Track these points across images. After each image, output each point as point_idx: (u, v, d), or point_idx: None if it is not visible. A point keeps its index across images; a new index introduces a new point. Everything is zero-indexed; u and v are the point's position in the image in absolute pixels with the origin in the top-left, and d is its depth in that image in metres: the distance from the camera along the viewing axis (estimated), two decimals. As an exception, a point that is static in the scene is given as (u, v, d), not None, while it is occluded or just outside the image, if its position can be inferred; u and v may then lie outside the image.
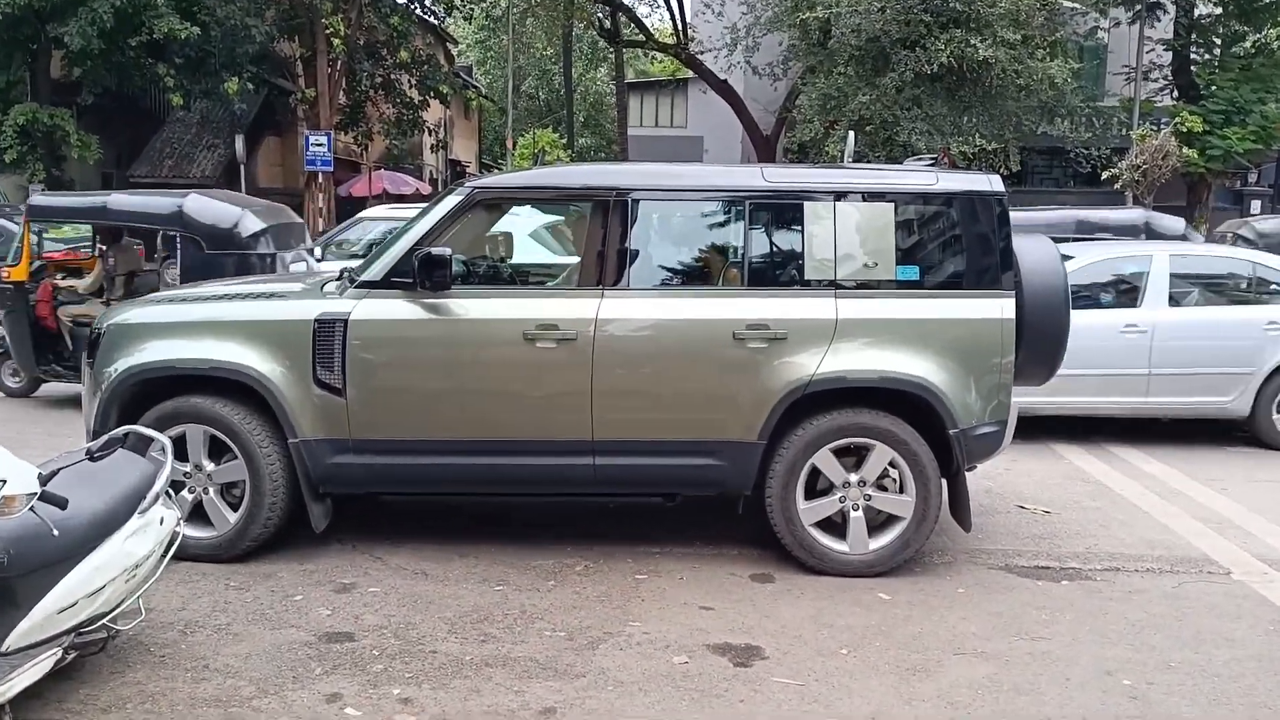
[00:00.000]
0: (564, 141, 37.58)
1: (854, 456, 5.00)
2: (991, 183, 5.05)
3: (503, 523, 5.69)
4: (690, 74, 30.49)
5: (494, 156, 46.73)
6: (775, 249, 5.05)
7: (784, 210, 5.04)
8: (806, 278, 4.93)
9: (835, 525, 5.06)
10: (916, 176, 5.11)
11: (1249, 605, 4.83)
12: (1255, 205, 22.12)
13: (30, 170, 20.89)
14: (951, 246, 5.06)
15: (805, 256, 4.94)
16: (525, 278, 5.60)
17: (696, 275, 5.09)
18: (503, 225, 5.81)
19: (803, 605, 4.69)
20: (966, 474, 5.46)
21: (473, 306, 4.88)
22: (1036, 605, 4.77)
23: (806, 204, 4.95)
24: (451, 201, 4.96)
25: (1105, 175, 13.66)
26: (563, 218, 6.93)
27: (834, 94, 18.94)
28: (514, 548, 5.29)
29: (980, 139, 18.36)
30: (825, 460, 4.95)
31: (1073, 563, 5.35)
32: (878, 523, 5.08)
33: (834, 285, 4.92)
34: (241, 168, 21.63)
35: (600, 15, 26.89)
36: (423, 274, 4.71)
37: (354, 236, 12.07)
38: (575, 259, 5.22)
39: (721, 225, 5.10)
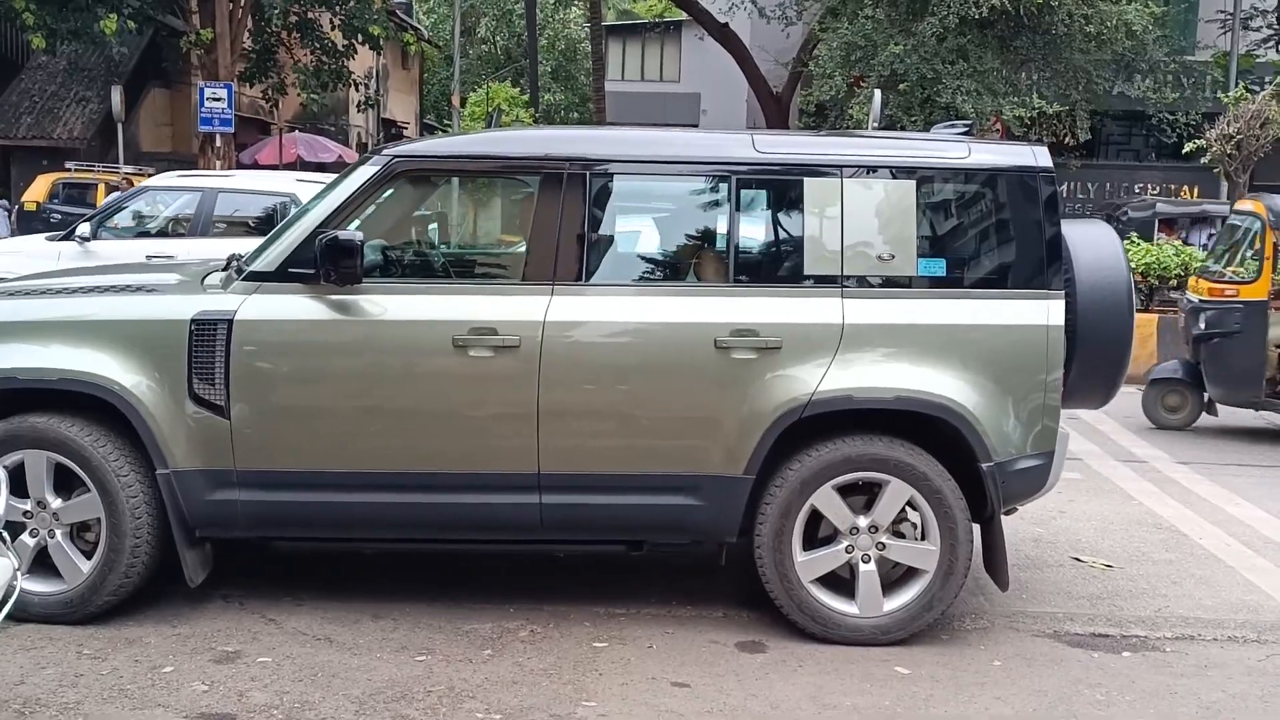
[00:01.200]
0: (526, 98, 37.74)
1: (864, 496, 5.03)
2: (1036, 156, 5.10)
3: (431, 576, 5.69)
4: (684, 15, 30.65)
5: (439, 116, 46.90)
6: (768, 236, 5.09)
7: (780, 188, 5.08)
8: (807, 273, 4.97)
9: (842, 582, 5.09)
10: (944, 148, 5.16)
11: (1351, 683, 4.87)
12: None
13: None
14: (986, 235, 5.11)
15: (805, 246, 4.97)
16: (463, 269, 5.60)
17: (670, 268, 5.13)
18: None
19: (799, 681, 4.71)
20: (1006, 518, 5.53)
21: (390, 305, 4.89)
22: (1090, 683, 4.80)
23: (807, 181, 4.99)
24: (364, 173, 4.98)
25: (1189, 148, 13.73)
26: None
27: (860, 43, 19.06)
28: (444, 608, 5.29)
29: (1040, 100, 18.49)
30: (828, 500, 4.97)
31: (1137, 630, 5.39)
32: (894, 578, 5.11)
33: (840, 282, 4.95)
34: (119, 126, 21.57)
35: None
36: (326, 263, 4.72)
37: (142, 209, 12.02)
38: (520, 247, 5.23)
39: (702, 206, 5.14)
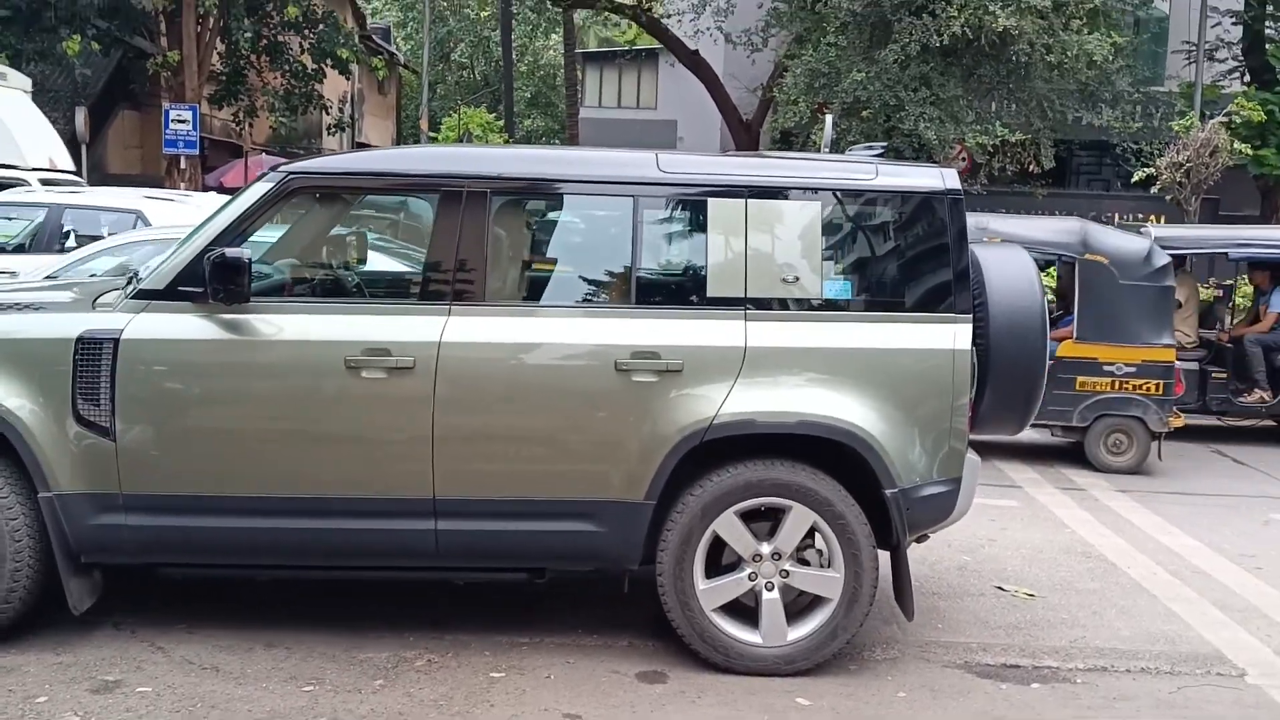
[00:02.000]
0: (502, 123, 37.69)
1: (769, 522, 4.93)
2: (945, 179, 5.04)
3: (333, 603, 5.56)
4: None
5: (416, 139, 46.84)
6: (672, 257, 5.01)
7: (683, 209, 5.01)
8: (710, 294, 4.88)
9: (747, 610, 4.98)
10: (851, 169, 5.10)
11: (1262, 716, 4.78)
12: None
13: None
14: (892, 258, 5.04)
15: (709, 267, 4.88)
16: (359, 288, 5.49)
17: (571, 289, 5.03)
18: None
19: (695, 714, 4.60)
20: (921, 545, 5.45)
21: (282, 324, 4.78)
22: (994, 715, 4.71)
23: (711, 202, 4.91)
24: (259, 190, 4.88)
25: (1139, 175, 13.73)
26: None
27: (824, 70, 19.06)
28: (341, 636, 5.16)
29: (1003, 129, 18.50)
30: (730, 526, 4.87)
31: (1049, 660, 5.29)
32: (801, 606, 5.01)
33: (744, 304, 4.86)
34: (83, 148, 21.40)
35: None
36: (214, 282, 4.61)
37: None
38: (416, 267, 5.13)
39: (605, 226, 5.05)
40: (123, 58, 25.40)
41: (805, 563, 4.97)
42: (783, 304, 4.89)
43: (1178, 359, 9.38)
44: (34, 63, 22.65)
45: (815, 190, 4.98)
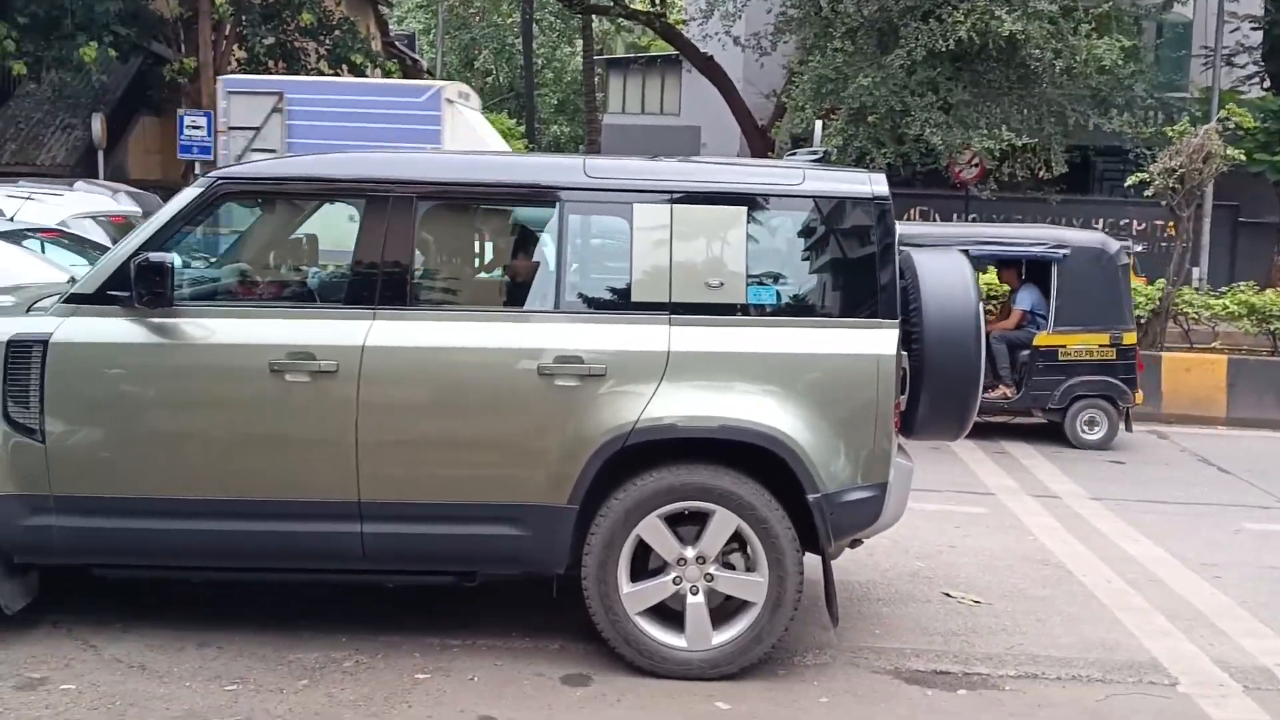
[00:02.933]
0: (524, 129, 37.89)
1: (695, 526, 4.95)
2: (873, 184, 5.05)
3: (269, 603, 5.61)
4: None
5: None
6: (595, 262, 5.05)
7: (608, 213, 5.04)
8: (634, 299, 4.91)
9: (673, 614, 5.00)
10: (777, 174, 5.12)
11: (1182, 724, 4.77)
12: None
13: None
14: (818, 263, 5.06)
15: (633, 272, 4.92)
16: (285, 292, 5.55)
17: (496, 293, 5.08)
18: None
19: (611, 716, 4.63)
20: (855, 549, 5.46)
21: (207, 328, 4.85)
22: (914, 720, 4.71)
23: (636, 206, 4.94)
24: (189, 195, 4.95)
25: (1131, 181, 13.64)
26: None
27: (831, 75, 19.01)
28: (273, 636, 5.21)
29: (1010, 133, 18.39)
30: (654, 531, 4.89)
31: (981, 667, 5.29)
32: (727, 611, 5.02)
33: (668, 309, 4.89)
34: (100, 153, 21.67)
35: (559, -27, 27.16)
36: (139, 285, 4.68)
37: None
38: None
39: (530, 230, 5.10)
40: (141, 64, 25.64)
41: (731, 567, 4.99)
42: (707, 309, 4.91)
43: None
44: (52, 69, 22.97)
45: (740, 195, 5.00)
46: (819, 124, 9.86)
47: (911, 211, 23.37)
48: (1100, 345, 10.26)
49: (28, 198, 12.98)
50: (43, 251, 9.46)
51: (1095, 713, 4.87)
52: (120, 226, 14.04)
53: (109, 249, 11.05)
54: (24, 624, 5.15)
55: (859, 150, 18.90)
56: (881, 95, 18.40)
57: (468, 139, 13.97)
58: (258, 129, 13.67)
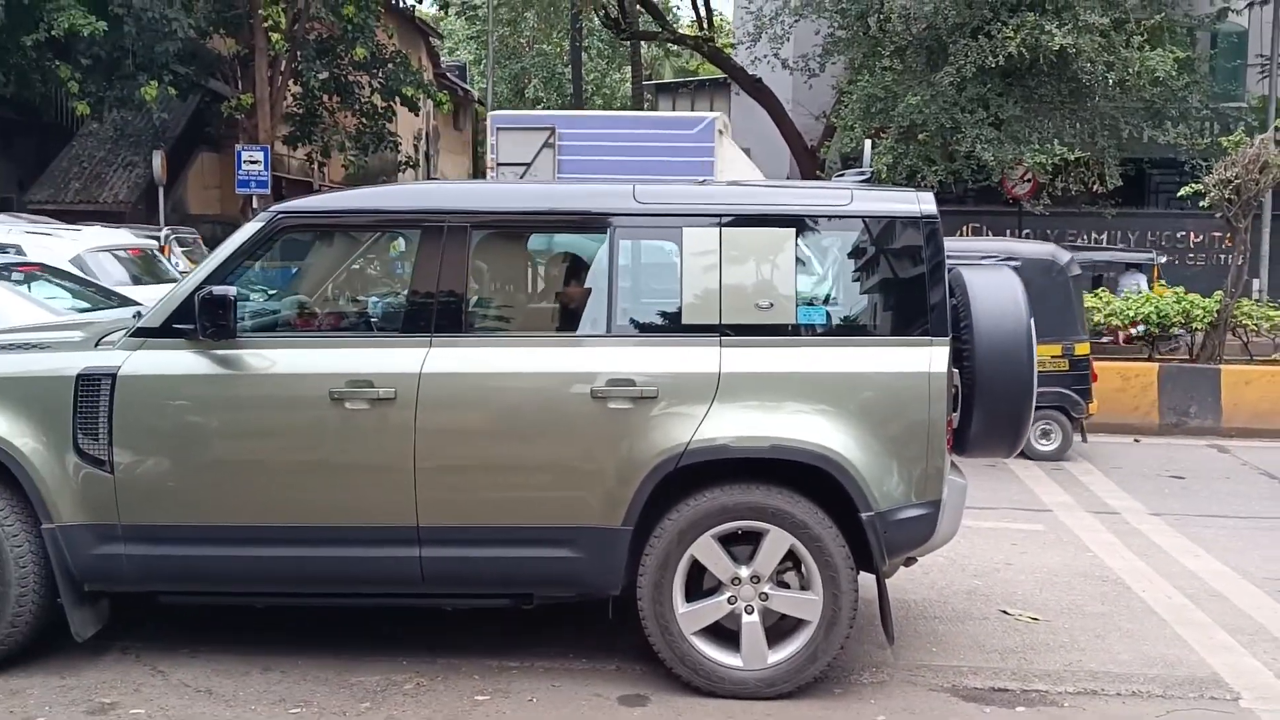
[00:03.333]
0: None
1: (749, 546, 4.98)
2: (920, 202, 5.07)
3: (331, 628, 5.71)
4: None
5: (485, 174, 47.48)
6: (647, 286, 5.11)
7: (659, 238, 5.11)
8: (685, 322, 4.97)
9: (728, 634, 5.04)
10: (826, 196, 5.17)
11: (1246, 739, 4.73)
12: None
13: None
14: (867, 282, 5.09)
15: (684, 295, 4.98)
16: (344, 322, 5.67)
17: (549, 318, 5.16)
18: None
19: (669, 735, 4.67)
20: (909, 567, 5.47)
21: (268, 358, 4.97)
22: (972, 738, 4.71)
23: (686, 231, 5.01)
24: (250, 229, 5.08)
25: (1184, 192, 13.51)
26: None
27: (880, 94, 19.02)
28: (336, 659, 5.31)
29: (1062, 147, 18.29)
30: (708, 551, 4.93)
31: (1039, 684, 5.27)
32: (782, 630, 5.05)
33: (719, 331, 4.94)
34: (160, 190, 22.13)
35: (606, 1, 27.35)
36: (203, 318, 4.81)
37: None
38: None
39: (582, 257, 5.17)
40: (200, 102, 26.19)
41: (785, 585, 5.01)
42: (757, 330, 4.95)
43: None
44: (114, 109, 23.51)
45: (789, 217, 5.05)
46: (868, 143, 9.87)
47: (964, 228, 23.25)
48: (1052, 357, 10.15)
49: (46, 234, 13.39)
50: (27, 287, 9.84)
51: (1155, 728, 4.84)
52: (138, 259, 14.45)
53: (94, 284, 11.46)
54: (94, 650, 5.29)
55: (909, 168, 18.88)
56: (931, 113, 18.37)
57: (732, 171, 13.99)
58: (528, 164, 13.75)
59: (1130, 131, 19.89)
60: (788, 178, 29.81)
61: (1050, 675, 5.37)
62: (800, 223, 5.06)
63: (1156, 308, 12.44)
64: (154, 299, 13.23)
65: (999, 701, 5.08)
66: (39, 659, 5.17)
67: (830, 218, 5.10)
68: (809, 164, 26.35)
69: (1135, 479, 9.82)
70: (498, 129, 14.21)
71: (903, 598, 6.28)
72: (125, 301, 10.54)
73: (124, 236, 15.52)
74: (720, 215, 5.03)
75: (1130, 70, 18.36)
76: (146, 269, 14.69)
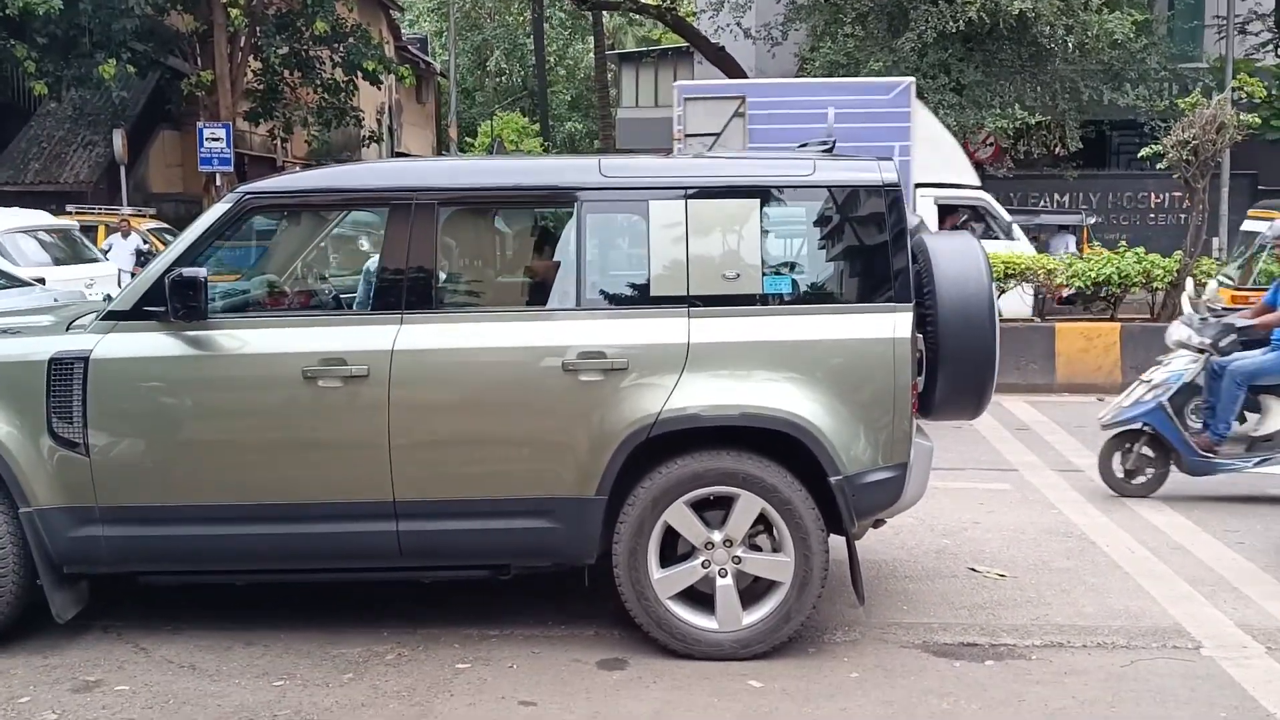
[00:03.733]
0: (538, 127, 38.00)
1: (722, 511, 5.07)
2: (882, 171, 5.15)
3: (312, 602, 5.78)
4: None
5: (463, 148, 47.34)
6: (614, 259, 5.17)
7: (625, 211, 5.17)
8: (653, 293, 5.04)
9: (703, 597, 5.13)
10: (788, 166, 5.23)
11: (1207, 688, 4.86)
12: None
13: None
14: (831, 251, 5.17)
15: (651, 267, 5.04)
16: (316, 301, 5.70)
17: (519, 293, 5.21)
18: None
19: (647, 697, 4.76)
20: (878, 529, 5.57)
21: (240, 338, 5.00)
22: (942, 692, 4.82)
23: (652, 204, 5.07)
24: (219, 210, 5.11)
25: (1144, 153, 13.67)
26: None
27: (842, 61, 19.11)
28: (317, 632, 5.38)
29: (1023, 111, 18.43)
30: (681, 517, 5.02)
31: (1007, 638, 5.40)
32: (756, 593, 5.15)
33: (686, 302, 5.02)
34: (122, 169, 21.96)
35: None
36: (174, 300, 4.84)
37: None
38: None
39: (549, 231, 5.23)
40: (160, 79, 25.95)
41: (757, 549, 5.11)
42: (724, 300, 5.03)
43: None
44: (73, 88, 23.28)
45: (753, 188, 5.12)
46: (831, 111, 9.90)
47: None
48: None
49: None
50: None
51: (1121, 677, 4.97)
52: (59, 240, 14.54)
53: None
54: (76, 629, 5.34)
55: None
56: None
57: (924, 135, 13.81)
58: (717, 135, 13.43)
59: (1090, 94, 20.09)
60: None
61: (1018, 629, 5.50)
62: (764, 193, 5.13)
63: (1118, 268, 12.60)
64: (74, 279, 13.30)
65: (969, 656, 5.20)
66: (22, 639, 5.21)
67: (794, 188, 5.17)
68: (773, 132, 26.38)
69: (1098, 437, 9.94)
70: (685, 99, 13.72)
71: (874, 558, 6.40)
72: (22, 283, 10.60)
73: (43, 218, 15.48)
74: (685, 188, 5.09)
75: (1089, 33, 18.54)
76: (69, 250, 14.68)
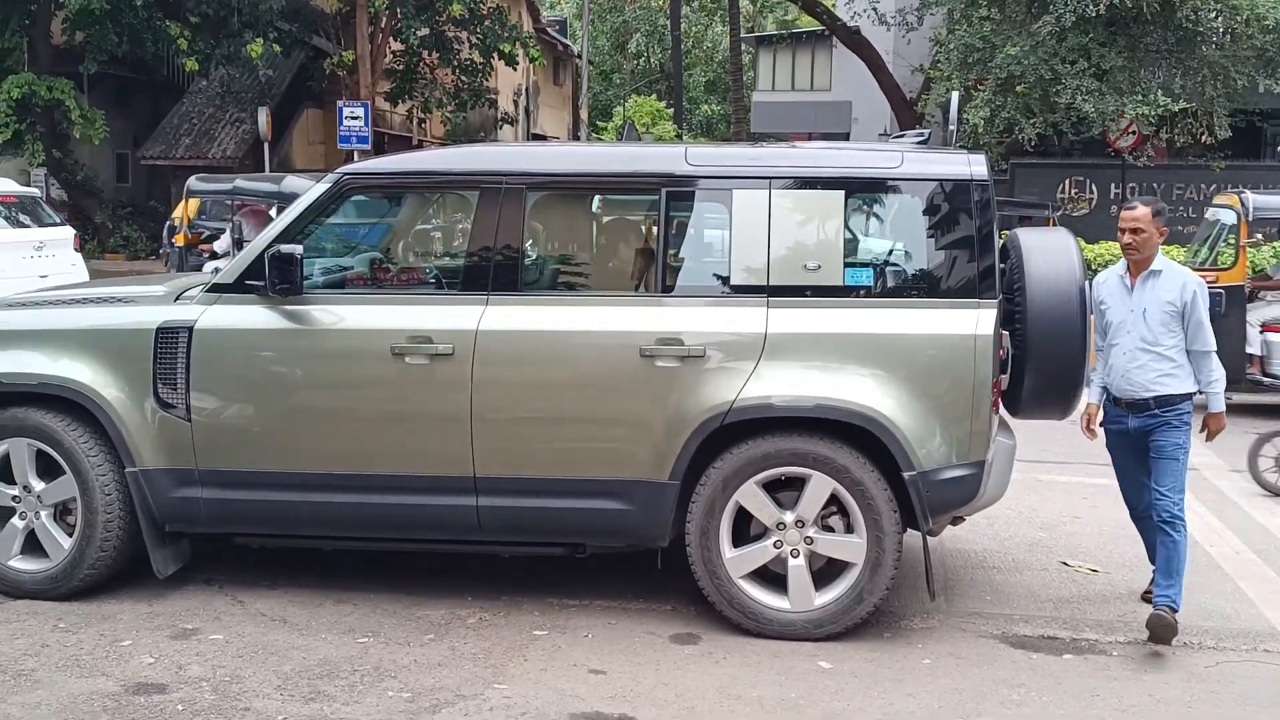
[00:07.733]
0: (672, 110, 38.10)
1: (793, 492, 5.12)
2: (971, 165, 5.12)
3: (404, 565, 5.99)
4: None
5: (596, 130, 47.76)
6: (696, 247, 5.24)
7: (709, 200, 5.23)
8: (733, 282, 5.10)
9: (775, 577, 5.19)
10: (876, 158, 5.24)
11: (1292, 691, 4.76)
12: None
13: (29, 151, 22.41)
14: (915, 245, 5.17)
15: (733, 256, 5.10)
16: (406, 280, 5.89)
17: (600, 278, 5.32)
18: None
19: (715, 673, 4.84)
20: (956, 526, 5.55)
21: (335, 313, 5.22)
22: (1014, 683, 4.80)
23: (736, 193, 5.12)
24: (319, 190, 5.33)
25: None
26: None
27: (977, 45, 18.72)
28: (407, 594, 5.60)
29: (1166, 98, 17.83)
30: (753, 497, 5.08)
31: (1090, 633, 5.34)
32: (829, 573, 5.19)
33: (766, 291, 5.06)
34: (265, 146, 22.71)
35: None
36: (272, 275, 5.08)
37: None
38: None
39: (634, 218, 5.33)
40: (304, 58, 26.76)
41: (830, 530, 5.14)
42: (804, 291, 5.05)
43: None
44: (221, 66, 24.16)
45: (838, 180, 5.13)
46: (955, 95, 9.76)
47: (1065, 181, 22.83)
48: None
49: None
50: None
51: (1203, 678, 4.88)
52: (11, 205, 15.17)
53: None
54: (180, 581, 5.65)
55: (1007, 120, 18.59)
56: (1030, 64, 18.02)
57: None
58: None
59: (1242, 81, 19.30)
60: (887, 130, 29.51)
61: (1102, 625, 5.43)
62: (849, 185, 5.13)
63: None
64: (24, 241, 14.11)
65: (1046, 649, 5.16)
66: (129, 588, 5.54)
67: (880, 180, 5.17)
68: (908, 117, 26.02)
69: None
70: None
71: (964, 548, 6.39)
72: None
73: (7, 184, 16.22)
74: (770, 178, 5.13)
75: (1239, 17, 17.81)
76: (31, 215, 15.45)
